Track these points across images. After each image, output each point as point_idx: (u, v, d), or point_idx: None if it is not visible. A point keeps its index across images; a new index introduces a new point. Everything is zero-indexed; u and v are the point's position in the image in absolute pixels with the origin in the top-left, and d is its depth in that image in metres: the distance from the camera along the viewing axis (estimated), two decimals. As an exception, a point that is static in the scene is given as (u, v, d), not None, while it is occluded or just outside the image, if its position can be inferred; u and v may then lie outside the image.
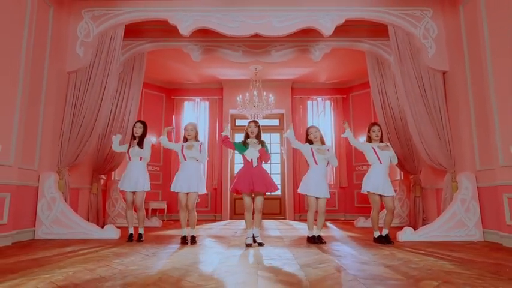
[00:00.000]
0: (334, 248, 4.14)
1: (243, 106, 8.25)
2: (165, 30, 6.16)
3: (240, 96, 8.32)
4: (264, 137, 9.69)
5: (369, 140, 4.72)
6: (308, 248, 4.16)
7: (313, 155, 4.56)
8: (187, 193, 4.46)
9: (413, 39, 5.47)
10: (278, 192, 9.71)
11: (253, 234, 4.33)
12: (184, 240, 4.43)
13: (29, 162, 4.79)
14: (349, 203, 9.35)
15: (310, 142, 4.68)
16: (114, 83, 5.92)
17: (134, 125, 4.86)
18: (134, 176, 4.63)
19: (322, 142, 4.66)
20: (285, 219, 9.24)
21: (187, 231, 4.50)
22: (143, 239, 4.63)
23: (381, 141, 4.69)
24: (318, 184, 4.48)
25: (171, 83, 9.65)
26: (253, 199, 4.35)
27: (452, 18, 5.37)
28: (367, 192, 4.57)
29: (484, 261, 3.24)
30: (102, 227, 6.23)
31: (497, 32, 4.44)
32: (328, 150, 4.60)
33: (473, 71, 4.94)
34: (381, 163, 4.56)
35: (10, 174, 4.27)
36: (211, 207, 9.43)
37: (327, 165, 4.60)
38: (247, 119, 8.39)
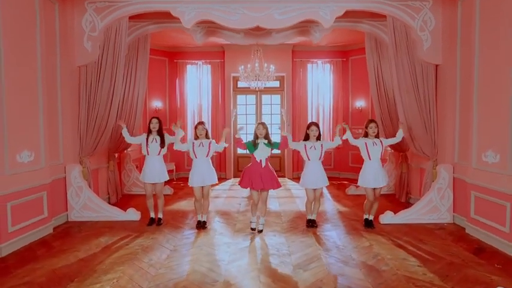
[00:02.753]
0: (324, 235, 4.92)
1: (245, 77, 8.51)
2: (168, 12, 6.23)
3: (242, 66, 8.53)
4: (265, 98, 10.49)
5: (366, 135, 5.23)
6: (303, 234, 4.96)
7: (306, 152, 5.11)
8: (202, 186, 5.13)
9: (411, 31, 5.63)
10: (278, 152, 10.41)
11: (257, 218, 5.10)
12: (199, 225, 5.23)
13: (55, 157, 5.38)
14: (344, 162, 10.08)
15: (307, 136, 5.19)
16: (122, 70, 6.20)
17: (150, 120, 5.36)
18: (155, 169, 5.25)
19: (318, 139, 5.16)
20: (284, 176, 10.06)
21: (201, 217, 5.27)
22: (162, 222, 5.42)
23: (377, 137, 5.20)
24: (314, 177, 5.10)
25: (173, 47, 9.74)
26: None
27: (450, 11, 5.48)
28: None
29: (442, 259, 4.02)
30: (121, 198, 7.12)
31: (487, 29, 4.61)
32: (322, 146, 5.11)
33: (463, 66, 5.23)
34: (370, 159, 5.13)
35: (43, 175, 4.89)
36: (216, 167, 10.12)
37: (320, 159, 5.14)
38: (249, 85, 8.72)
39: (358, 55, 9.63)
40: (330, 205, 6.76)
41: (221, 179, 9.69)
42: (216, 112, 9.99)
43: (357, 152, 9.89)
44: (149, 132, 5.35)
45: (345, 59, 9.90)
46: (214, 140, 5.26)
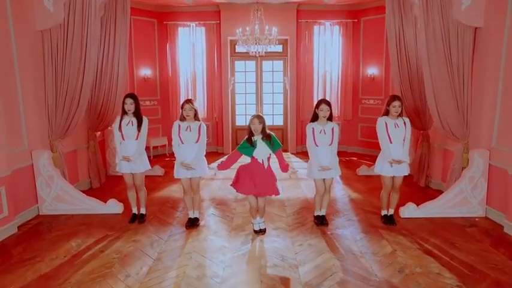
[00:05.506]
0: (337, 235, 4.18)
1: (243, 41, 7.44)
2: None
3: (240, 28, 7.43)
4: (266, 65, 9.41)
5: (386, 113, 4.34)
6: (311, 234, 4.21)
7: (313, 136, 4.23)
8: (191, 178, 4.31)
9: (446, -14, 4.57)
10: (281, 123, 9.54)
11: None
12: (190, 223, 4.45)
13: (17, 143, 4.53)
14: (352, 136, 9.23)
15: (316, 117, 4.29)
16: (96, 34, 5.19)
17: (124, 100, 4.40)
18: (131, 157, 4.40)
19: (329, 119, 4.27)
20: (287, 151, 9.26)
21: (193, 214, 4.50)
22: (145, 219, 4.66)
23: (400, 116, 4.32)
24: (324, 164, 4.27)
25: (162, 6, 8.55)
26: None
27: (498, -41, 4.39)
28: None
29: (486, 276, 3.28)
30: (105, 182, 6.34)
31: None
32: (333, 129, 4.22)
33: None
34: (390, 143, 4.28)
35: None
36: (213, 140, 9.37)
37: (330, 145, 4.29)
38: (248, 50, 7.67)
39: (371, 15, 8.49)
40: (339, 190, 5.99)
41: (218, 154, 8.91)
42: (212, 80, 8.99)
43: (366, 124, 9.13)
44: (124, 113, 4.44)
45: (356, 20, 8.73)
46: (205, 125, 4.34)
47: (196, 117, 4.27)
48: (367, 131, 8.86)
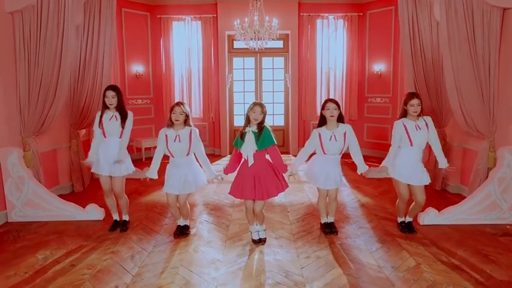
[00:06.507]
0: (349, 246, 3.59)
1: (241, 34, 6.90)
2: None
3: (238, 20, 6.90)
4: (266, 61, 8.86)
5: (404, 114, 3.76)
6: (319, 243, 3.63)
7: (321, 144, 3.62)
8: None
9: (470, -38, 4.04)
10: (281, 123, 8.98)
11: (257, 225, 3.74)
12: (178, 232, 3.86)
13: (-19, 139, 3.95)
14: (358, 137, 8.32)
15: (324, 120, 3.71)
16: (76, 20, 4.65)
17: (104, 93, 3.81)
18: (112, 157, 3.82)
19: (340, 120, 3.69)
20: (288, 153, 8.69)
21: (181, 221, 3.90)
22: (128, 226, 4.06)
23: (419, 116, 3.74)
24: (327, 174, 3.66)
25: (155, -1, 8.05)
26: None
27: None
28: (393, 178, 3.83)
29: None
30: (89, 186, 5.75)
31: None
32: (345, 134, 3.63)
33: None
34: (411, 145, 3.70)
35: (-44, 166, 3.49)
36: (210, 142, 8.80)
37: (340, 153, 3.72)
38: (246, 45, 7.14)
39: (378, 8, 7.98)
40: (347, 194, 5.41)
41: (215, 157, 8.33)
42: (208, 78, 8.43)
43: (373, 124, 8.57)
44: (105, 108, 3.86)
45: (361, 14, 8.21)
46: (197, 129, 3.65)
47: (187, 122, 3.62)
48: (374, 132, 8.30)
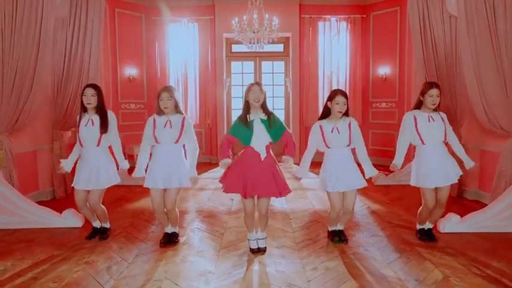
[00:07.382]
0: (362, 256, 3.09)
1: (239, 32, 6.55)
2: None
3: (236, 19, 6.56)
4: (266, 65, 8.49)
5: (419, 105, 3.33)
6: (327, 254, 3.13)
7: (323, 136, 3.15)
8: (165, 189, 3.22)
9: None
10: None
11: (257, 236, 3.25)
12: (165, 240, 3.36)
13: None
14: None
15: (327, 112, 3.23)
16: (60, 13, 4.28)
17: (83, 92, 3.34)
18: (94, 168, 3.32)
19: (346, 114, 3.22)
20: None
21: (169, 229, 3.41)
22: (108, 234, 3.56)
23: (436, 110, 3.30)
24: (339, 173, 3.16)
25: (150, 0, 7.72)
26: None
27: None
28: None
29: None
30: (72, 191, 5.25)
31: None
32: (350, 124, 3.16)
33: None
34: (423, 144, 3.25)
35: None
36: (206, 149, 8.34)
37: (348, 146, 3.22)
38: (244, 44, 6.77)
39: (382, 9, 7.66)
40: (356, 202, 4.90)
41: (211, 165, 7.86)
42: (205, 82, 8.04)
43: (378, 130, 8.14)
44: (83, 110, 3.41)
45: (365, 16, 7.89)
46: (189, 119, 3.25)
47: (177, 109, 3.20)
48: (380, 139, 7.86)
